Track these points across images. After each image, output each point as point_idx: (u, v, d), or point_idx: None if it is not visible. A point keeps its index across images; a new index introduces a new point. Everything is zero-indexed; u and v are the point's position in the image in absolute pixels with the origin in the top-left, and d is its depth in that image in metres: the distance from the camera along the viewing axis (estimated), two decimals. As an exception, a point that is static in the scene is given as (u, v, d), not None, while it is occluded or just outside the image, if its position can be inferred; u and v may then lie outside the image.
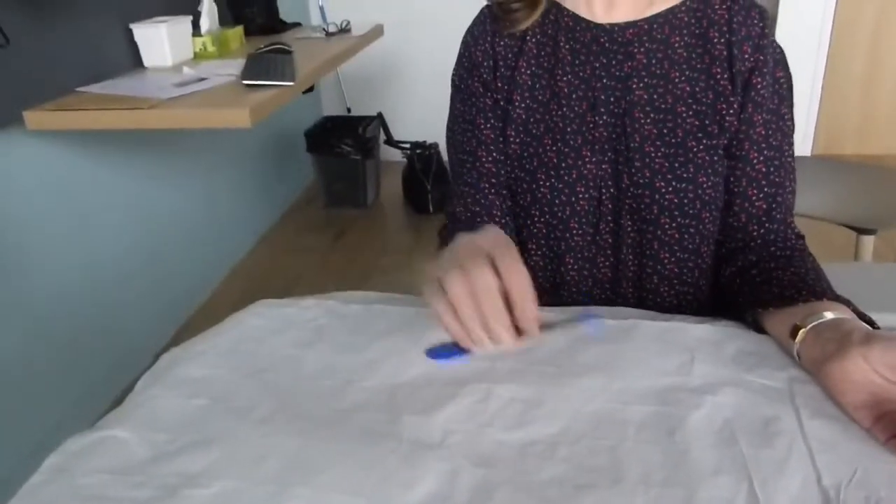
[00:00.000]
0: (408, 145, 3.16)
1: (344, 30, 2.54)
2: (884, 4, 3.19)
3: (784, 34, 3.17)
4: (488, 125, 0.88)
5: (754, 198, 0.85)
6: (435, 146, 3.11)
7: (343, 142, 3.05)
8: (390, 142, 3.22)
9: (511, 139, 0.87)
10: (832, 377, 0.62)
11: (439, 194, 3.06)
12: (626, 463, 0.57)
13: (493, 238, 0.65)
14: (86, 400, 1.77)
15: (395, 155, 3.30)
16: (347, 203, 3.20)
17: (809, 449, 0.57)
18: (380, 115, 3.25)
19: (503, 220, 0.89)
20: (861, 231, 1.55)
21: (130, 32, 1.94)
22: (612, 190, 0.85)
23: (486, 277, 0.59)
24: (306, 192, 3.41)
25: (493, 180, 0.89)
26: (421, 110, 3.40)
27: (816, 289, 0.72)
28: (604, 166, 0.85)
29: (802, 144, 3.36)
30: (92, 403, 1.72)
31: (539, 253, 0.91)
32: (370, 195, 3.24)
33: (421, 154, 3.11)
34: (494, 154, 0.88)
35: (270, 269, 2.72)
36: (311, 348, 0.73)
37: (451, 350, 0.59)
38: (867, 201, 1.60)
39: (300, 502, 0.54)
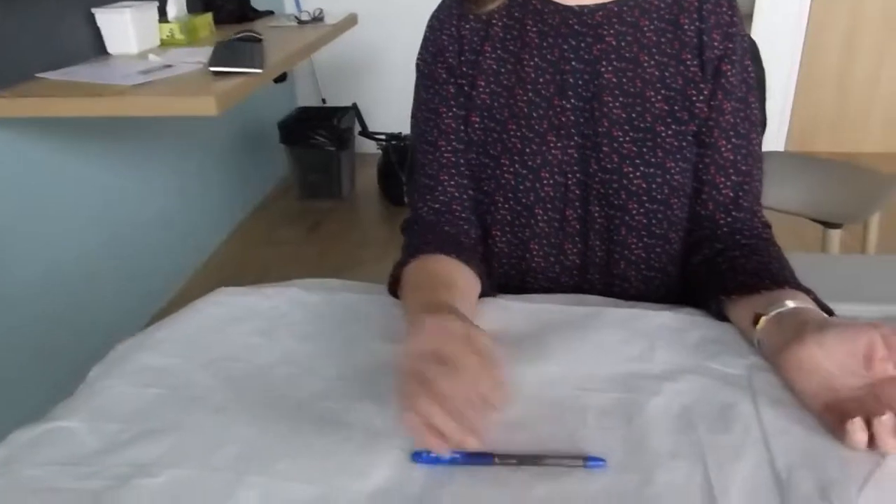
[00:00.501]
0: (383, 137, 3.13)
1: (317, 18, 2.51)
2: (858, 2, 3.22)
3: (759, 31, 3.19)
4: (450, 114, 0.87)
5: (722, 186, 0.85)
6: (410, 138, 3.08)
7: (317, 133, 3.03)
8: (365, 133, 3.19)
9: (475, 125, 0.87)
10: (787, 365, 0.62)
11: (415, 186, 3.04)
12: (584, 448, 0.57)
13: (434, 318, 0.62)
14: (54, 397, 1.73)
15: (370, 146, 3.28)
16: (322, 195, 3.17)
17: (764, 434, 0.58)
18: (355, 106, 3.23)
19: (464, 215, 0.88)
20: (828, 225, 1.57)
21: (93, 17, 1.89)
22: (578, 175, 0.85)
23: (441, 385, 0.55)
24: (280, 184, 3.38)
25: (454, 170, 0.88)
26: (396, 101, 3.36)
27: (778, 278, 0.73)
28: (570, 151, 0.84)
29: (776, 140, 3.39)
30: (60, 400, 1.68)
31: (504, 240, 0.90)
32: (345, 187, 3.21)
33: (396, 146, 3.09)
34: (455, 143, 0.88)
35: (243, 261, 2.69)
36: (270, 337, 0.72)
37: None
38: (835, 196, 1.62)
39: (255, 491, 0.53)
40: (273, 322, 0.75)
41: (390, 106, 3.48)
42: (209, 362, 0.68)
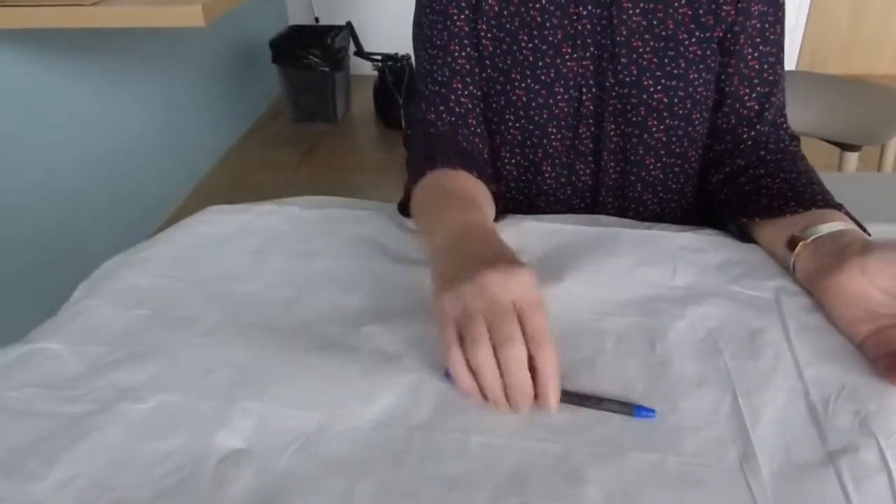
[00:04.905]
0: (379, 57, 3.02)
1: (309, -73, 2.37)
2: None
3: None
4: (461, 16, 0.80)
5: (746, 98, 0.79)
6: (407, 58, 2.98)
7: (311, 52, 2.90)
8: (361, 53, 3.07)
9: (482, 34, 0.80)
10: (828, 291, 0.58)
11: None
12: (604, 376, 0.53)
13: (518, 280, 0.51)
14: (42, 322, 1.70)
15: (365, 67, 3.17)
16: (316, 117, 3.08)
17: (796, 362, 0.54)
18: (349, 25, 3.09)
19: (479, 129, 0.82)
20: (845, 147, 1.51)
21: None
22: (594, 90, 0.79)
23: (517, 351, 0.48)
24: (273, 106, 3.27)
25: (468, 79, 0.81)
26: (392, 20, 3.24)
27: (806, 197, 0.68)
28: (585, 63, 0.78)
29: (786, 61, 3.29)
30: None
31: (513, 161, 0.85)
32: (340, 109, 3.11)
33: (393, 66, 2.98)
34: (469, 49, 0.80)
35: (236, 186, 2.62)
36: (265, 256, 0.68)
37: None
38: (852, 117, 1.55)
39: (249, 418, 0.49)
40: (269, 241, 0.70)
41: (386, 25, 3.34)
42: (200, 282, 0.64)
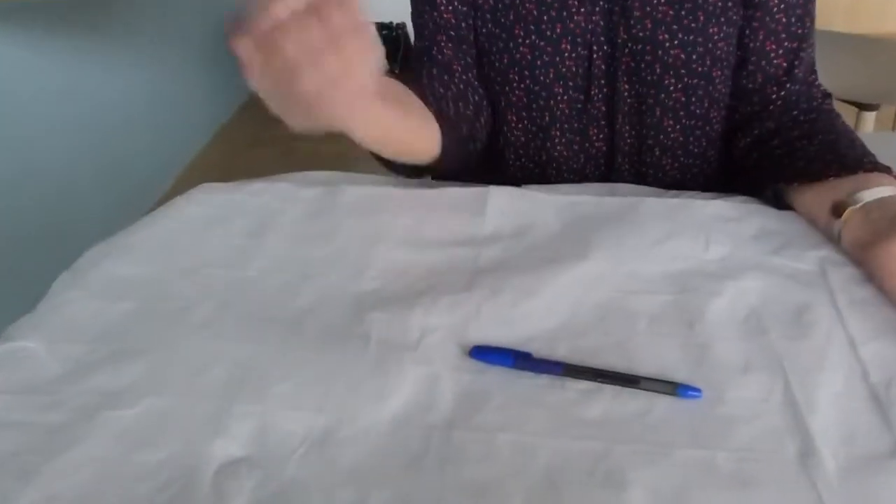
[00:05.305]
0: (374, 26, 2.94)
1: None
2: None
3: None
4: None
5: (773, 54, 0.74)
6: (402, 27, 2.90)
7: (302, 23, 2.83)
8: (353, 23, 2.99)
9: None
10: (878, 260, 0.53)
11: (408, 79, 2.88)
12: (638, 361, 0.48)
13: None
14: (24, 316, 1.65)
15: (359, 38, 3.08)
16: (310, 91, 3.01)
17: (851, 340, 0.49)
18: (341, -6, 3.01)
19: (466, 76, 0.76)
20: (862, 107, 1.46)
21: None
22: (605, 48, 0.74)
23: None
24: (266, 81, 3.20)
25: (452, 33, 0.76)
26: (386, -12, 3.14)
27: (849, 159, 0.63)
28: (595, 18, 0.72)
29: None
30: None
31: (520, 126, 0.79)
32: (334, 82, 3.04)
33: (387, 36, 2.91)
34: (456, 3, 0.75)
35: (231, 163, 2.56)
36: (261, 239, 0.62)
37: (497, 352, 0.48)
38: (869, 75, 1.50)
39: (249, 422, 0.44)
40: (264, 222, 0.64)
41: (380, -7, 3.24)
42: (190, 270, 0.58)
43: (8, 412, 0.45)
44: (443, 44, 0.76)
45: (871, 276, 0.55)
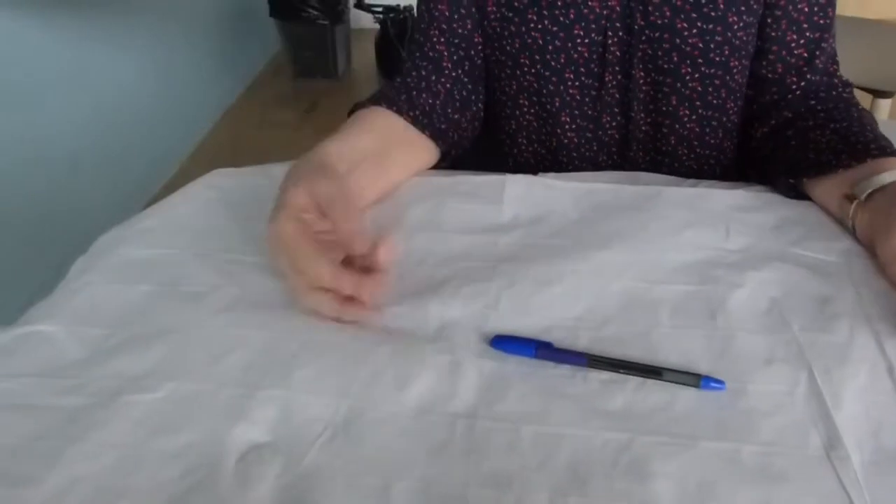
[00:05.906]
0: (380, 9, 2.91)
1: None
2: None
3: None
4: None
5: (793, 44, 0.72)
6: (410, 9, 2.86)
7: (309, 5, 2.79)
8: (361, 5, 2.96)
9: None
10: (883, 252, 0.53)
11: (416, 63, 2.85)
12: (660, 351, 0.48)
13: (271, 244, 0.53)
14: (38, 301, 1.64)
15: (367, 20, 3.05)
16: (317, 73, 2.98)
17: (876, 334, 0.48)
18: (348, -25, 2.97)
19: (455, 73, 0.76)
20: (878, 94, 1.44)
21: None
22: (620, 34, 0.72)
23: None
24: (273, 62, 3.17)
25: (444, 27, 0.75)
26: (394, -30, 3.11)
27: (858, 147, 0.62)
28: (611, 3, 0.71)
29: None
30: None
31: (532, 111, 0.78)
32: (341, 64, 3.01)
33: (395, 18, 2.87)
34: None
35: (237, 146, 2.54)
36: (279, 223, 0.61)
37: (519, 342, 0.48)
38: (885, 62, 1.48)
39: (273, 407, 0.44)
40: (280, 206, 0.64)
41: (387, -26, 3.21)
42: (208, 253, 0.58)
43: (29, 396, 0.45)
44: (434, 39, 0.76)
45: (882, 267, 0.54)
